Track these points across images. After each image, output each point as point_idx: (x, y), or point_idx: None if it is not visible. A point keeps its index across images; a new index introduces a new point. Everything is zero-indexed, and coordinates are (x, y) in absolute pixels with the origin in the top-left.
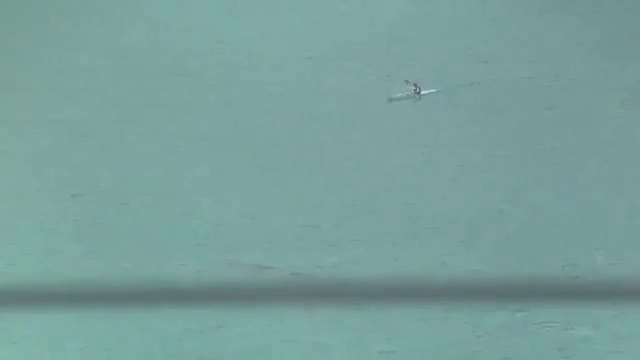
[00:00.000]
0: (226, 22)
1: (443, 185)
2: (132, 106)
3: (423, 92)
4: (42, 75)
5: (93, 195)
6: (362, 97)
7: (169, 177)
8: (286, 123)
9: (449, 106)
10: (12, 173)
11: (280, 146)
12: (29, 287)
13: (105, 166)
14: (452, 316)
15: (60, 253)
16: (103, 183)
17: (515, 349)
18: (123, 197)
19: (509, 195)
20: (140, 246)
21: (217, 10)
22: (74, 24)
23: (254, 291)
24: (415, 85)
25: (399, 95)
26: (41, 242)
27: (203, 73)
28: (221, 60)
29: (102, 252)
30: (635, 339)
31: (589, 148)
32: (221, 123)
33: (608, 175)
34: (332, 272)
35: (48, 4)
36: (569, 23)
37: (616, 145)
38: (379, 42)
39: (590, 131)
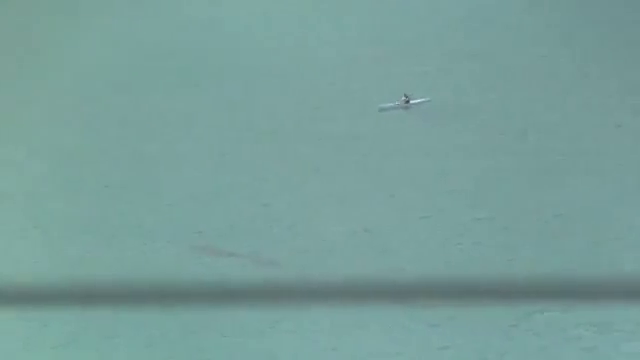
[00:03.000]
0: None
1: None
2: (168, 103)
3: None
4: (60, 73)
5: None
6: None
7: (204, 177)
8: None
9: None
10: (22, 171)
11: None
12: (33, 284)
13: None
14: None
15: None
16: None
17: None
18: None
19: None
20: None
21: (259, 13)
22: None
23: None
24: (405, 95)
25: (389, 105)
26: (48, 239)
27: (259, 75)
28: (274, 62)
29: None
30: None
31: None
32: (273, 123)
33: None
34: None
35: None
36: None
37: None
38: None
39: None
